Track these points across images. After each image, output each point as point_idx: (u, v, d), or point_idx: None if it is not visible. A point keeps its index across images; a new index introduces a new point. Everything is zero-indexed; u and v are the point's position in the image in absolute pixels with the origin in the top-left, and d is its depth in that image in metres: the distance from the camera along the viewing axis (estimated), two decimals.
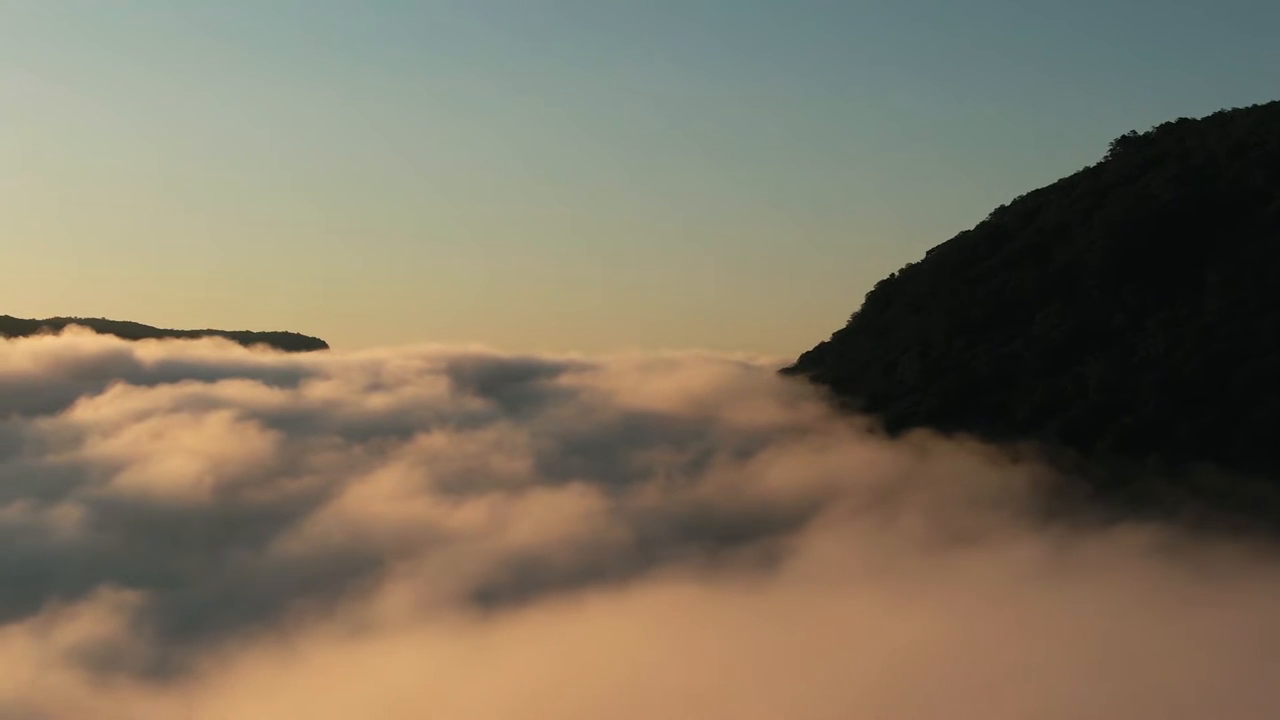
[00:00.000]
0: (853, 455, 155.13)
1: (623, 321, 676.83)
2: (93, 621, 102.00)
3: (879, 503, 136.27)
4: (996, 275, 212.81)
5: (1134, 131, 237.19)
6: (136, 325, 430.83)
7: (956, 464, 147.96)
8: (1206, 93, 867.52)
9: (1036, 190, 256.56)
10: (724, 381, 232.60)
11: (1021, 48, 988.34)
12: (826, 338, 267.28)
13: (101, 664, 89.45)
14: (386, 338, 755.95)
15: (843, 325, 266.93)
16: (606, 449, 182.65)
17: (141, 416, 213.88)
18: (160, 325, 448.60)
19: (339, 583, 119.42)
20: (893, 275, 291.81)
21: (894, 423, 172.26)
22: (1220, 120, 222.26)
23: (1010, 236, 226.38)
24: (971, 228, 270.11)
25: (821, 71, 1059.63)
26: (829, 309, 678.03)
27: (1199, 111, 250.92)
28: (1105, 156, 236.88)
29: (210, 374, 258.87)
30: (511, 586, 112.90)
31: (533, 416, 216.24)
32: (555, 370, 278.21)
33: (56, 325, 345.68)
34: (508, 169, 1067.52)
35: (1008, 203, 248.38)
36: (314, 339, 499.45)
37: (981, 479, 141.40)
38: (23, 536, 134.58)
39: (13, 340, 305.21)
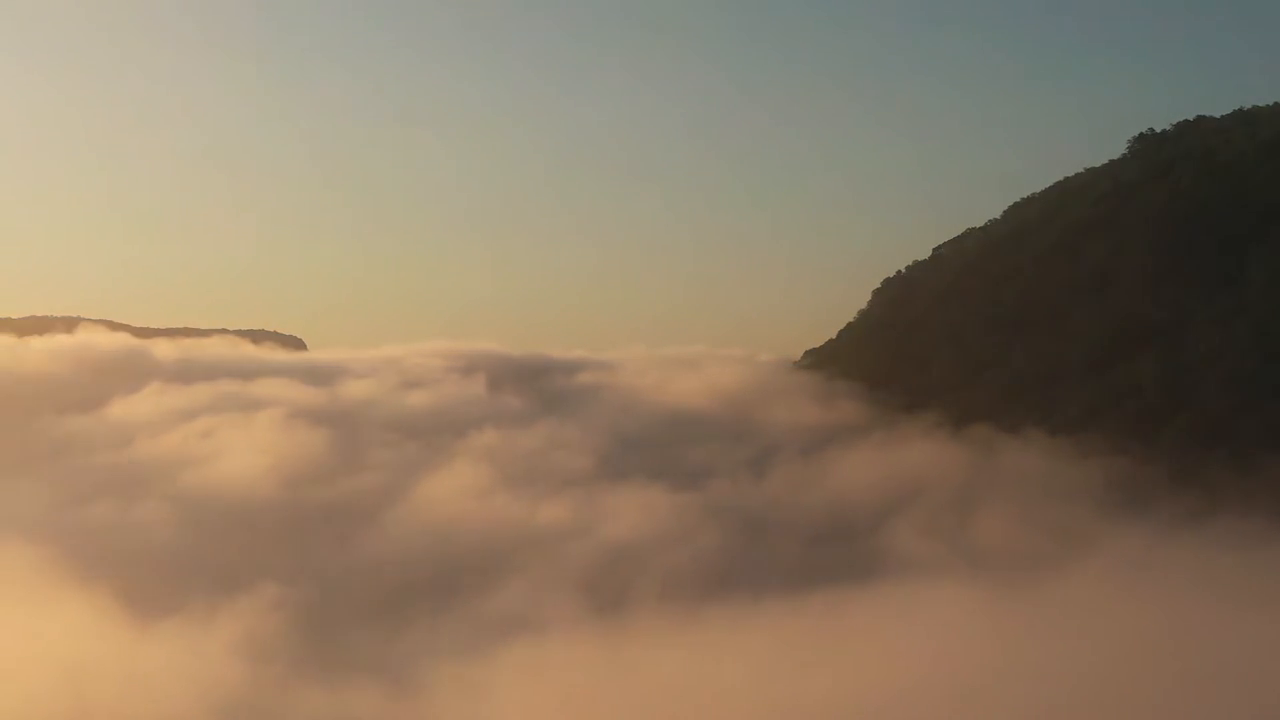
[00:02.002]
0: (922, 452, 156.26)
1: (617, 318, 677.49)
2: (244, 615, 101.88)
3: (966, 499, 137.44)
4: (1024, 272, 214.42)
5: (1151, 129, 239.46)
6: (112, 323, 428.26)
7: (1029, 460, 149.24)
8: (1199, 92, 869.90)
9: (1049, 187, 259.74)
10: (752, 379, 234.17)
11: (1017, 46, 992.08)
12: (822, 333, 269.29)
13: (275, 657, 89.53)
14: (367, 337, 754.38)
15: (835, 321, 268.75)
16: (660, 446, 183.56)
17: (187, 415, 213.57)
18: (136, 324, 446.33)
19: (450, 579, 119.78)
20: (899, 272, 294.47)
21: (958, 419, 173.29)
22: (1243, 118, 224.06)
23: (1033, 233, 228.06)
24: (970, 225, 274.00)
25: (814, 68, 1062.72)
26: (821, 305, 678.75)
27: (1195, 110, 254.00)
28: (1123, 154, 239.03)
29: (242, 372, 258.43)
30: (641, 583, 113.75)
31: (575, 414, 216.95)
32: (573, 367, 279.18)
33: (68, 324, 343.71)
34: (491, 166, 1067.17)
35: (1004, 200, 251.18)
36: (291, 337, 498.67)
37: (1058, 474, 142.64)
38: (122, 535, 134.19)
39: (24, 339, 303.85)
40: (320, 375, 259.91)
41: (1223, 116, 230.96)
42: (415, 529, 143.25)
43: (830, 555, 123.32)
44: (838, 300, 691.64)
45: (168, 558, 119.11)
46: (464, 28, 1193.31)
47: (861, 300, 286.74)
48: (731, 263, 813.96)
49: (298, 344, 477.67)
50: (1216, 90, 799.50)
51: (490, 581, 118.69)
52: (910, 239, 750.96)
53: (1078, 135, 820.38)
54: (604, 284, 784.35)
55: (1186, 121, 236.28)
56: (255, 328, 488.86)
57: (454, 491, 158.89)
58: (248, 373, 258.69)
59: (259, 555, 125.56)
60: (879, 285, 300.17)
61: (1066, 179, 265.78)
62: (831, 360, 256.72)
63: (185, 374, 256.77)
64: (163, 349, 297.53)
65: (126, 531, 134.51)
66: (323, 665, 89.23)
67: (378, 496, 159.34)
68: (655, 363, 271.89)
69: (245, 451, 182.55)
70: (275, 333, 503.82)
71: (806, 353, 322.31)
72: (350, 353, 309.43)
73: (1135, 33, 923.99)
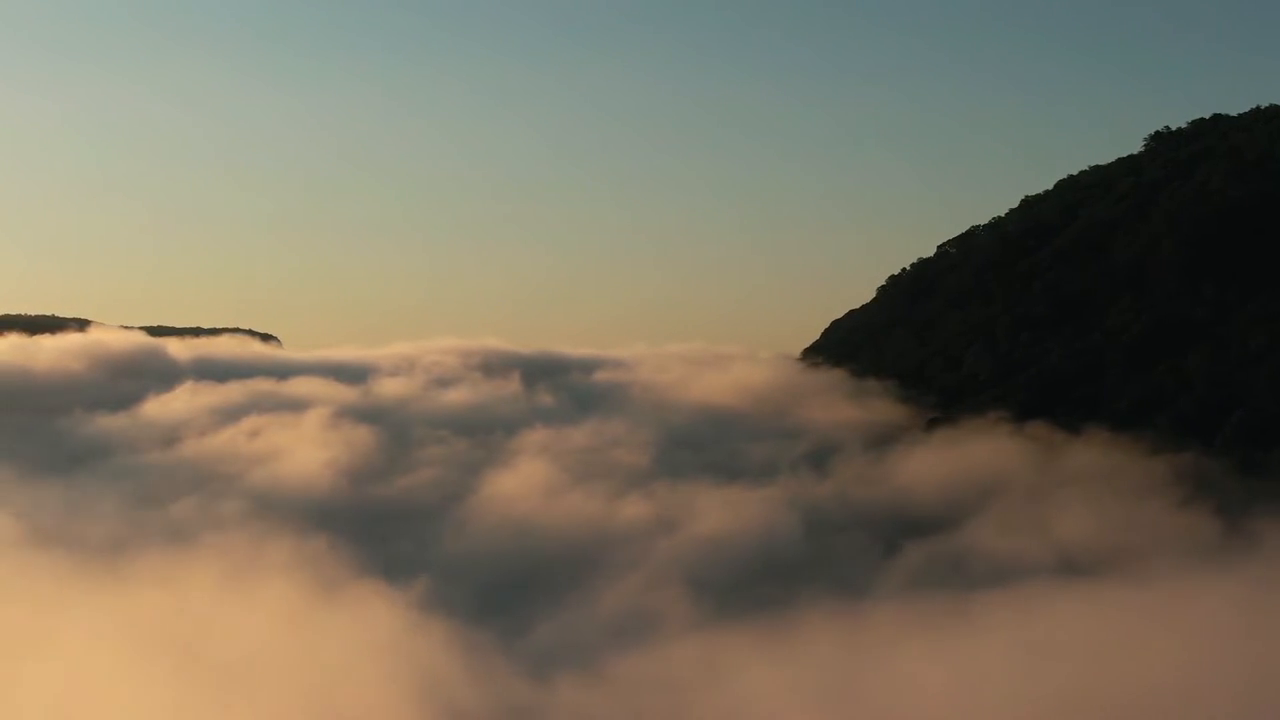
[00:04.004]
0: (985, 449, 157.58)
1: (606, 314, 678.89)
2: (405, 609, 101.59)
3: (1039, 496, 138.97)
4: (1051, 269, 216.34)
5: (1167, 127, 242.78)
6: (86, 321, 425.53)
7: (1091, 456, 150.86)
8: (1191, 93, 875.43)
9: (1060, 185, 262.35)
10: (778, 377, 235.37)
11: (1008, 47, 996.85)
12: (808, 329, 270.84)
13: (457, 649, 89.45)
14: (345, 335, 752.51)
15: (820, 317, 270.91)
16: (711, 443, 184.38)
17: (228, 414, 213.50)
18: (111, 322, 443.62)
19: (554, 575, 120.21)
20: (905, 270, 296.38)
21: (1008, 416, 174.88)
22: (1262, 116, 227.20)
23: (1055, 231, 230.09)
24: (970, 223, 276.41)
25: (800, 68, 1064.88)
26: (807, 301, 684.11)
27: (1193, 110, 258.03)
28: (1139, 151, 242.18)
29: (272, 371, 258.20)
30: (754, 578, 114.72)
31: (613, 411, 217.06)
32: (588, 365, 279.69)
33: (80, 324, 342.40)
34: (478, 164, 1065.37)
35: (997, 198, 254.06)
36: (267, 335, 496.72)
37: (1125, 470, 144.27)
38: (219, 533, 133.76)
39: (34, 337, 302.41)
40: (348, 374, 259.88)
41: (1240, 115, 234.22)
42: (498, 526, 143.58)
43: (925, 553, 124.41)
44: (824, 297, 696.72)
45: (284, 556, 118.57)
46: (469, 26, 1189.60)
47: (850, 296, 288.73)
48: (717, 260, 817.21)
49: (275, 343, 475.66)
50: (1211, 89, 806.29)
51: (598, 578, 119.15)
52: (899, 237, 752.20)
53: (1072, 134, 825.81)
54: (590, 281, 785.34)
55: (1203, 120, 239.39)
56: (230, 326, 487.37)
57: (525, 488, 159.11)
58: (279, 371, 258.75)
59: (362, 552, 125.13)
60: (883, 282, 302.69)
61: (1072, 177, 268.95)
62: (849, 357, 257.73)
63: (212, 372, 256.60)
64: (175, 347, 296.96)
65: (222, 530, 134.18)
66: (507, 657, 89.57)
67: (447, 494, 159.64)
68: (669, 360, 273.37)
69: (305, 450, 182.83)
70: (251, 330, 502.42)
71: (810, 349, 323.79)
72: (374, 350, 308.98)
73: (1125, 33, 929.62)
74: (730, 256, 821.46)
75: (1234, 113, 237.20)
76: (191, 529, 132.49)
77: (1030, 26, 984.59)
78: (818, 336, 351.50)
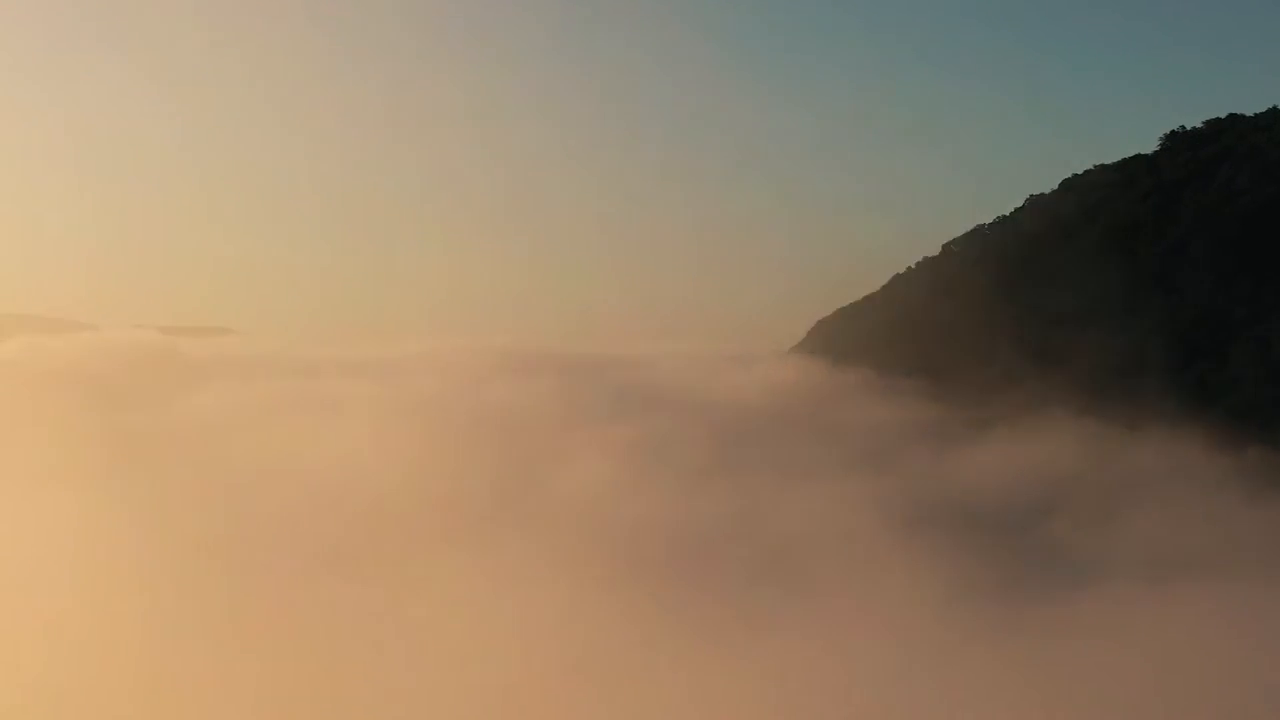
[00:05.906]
0: (1047, 446, 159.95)
1: (601, 313, 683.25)
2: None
3: (1117, 492, 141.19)
4: (1078, 267, 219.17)
5: (1183, 126, 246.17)
6: (62, 319, 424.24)
7: (1158, 452, 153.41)
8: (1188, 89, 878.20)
9: (1072, 184, 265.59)
10: (805, 376, 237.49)
11: (995, 48, 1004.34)
12: (792, 327, 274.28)
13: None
14: (323, 333, 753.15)
15: (804, 314, 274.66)
16: (758, 443, 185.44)
17: (268, 410, 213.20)
18: (84, 318, 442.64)
19: (657, 573, 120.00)
20: (910, 268, 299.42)
21: (1063, 412, 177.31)
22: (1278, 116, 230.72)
23: (1075, 230, 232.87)
24: (963, 222, 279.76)
25: (787, 67, 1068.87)
26: (788, 299, 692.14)
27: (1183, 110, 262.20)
28: (1155, 150, 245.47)
29: (298, 370, 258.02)
30: (867, 573, 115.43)
31: (652, 410, 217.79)
32: (602, 364, 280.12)
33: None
34: (469, 163, 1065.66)
35: (988, 197, 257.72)
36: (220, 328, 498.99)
37: (1196, 466, 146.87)
38: (310, 530, 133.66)
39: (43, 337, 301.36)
40: (375, 371, 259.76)
41: (1257, 115, 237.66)
42: (582, 522, 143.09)
43: (1022, 549, 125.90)
44: (807, 296, 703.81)
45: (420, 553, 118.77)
46: (472, 24, 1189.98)
47: (836, 295, 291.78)
48: (707, 259, 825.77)
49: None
50: (1207, 89, 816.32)
51: (700, 573, 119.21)
52: (889, 236, 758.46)
53: (1066, 134, 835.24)
54: (580, 279, 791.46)
55: (1219, 119, 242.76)
56: (210, 325, 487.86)
57: (594, 485, 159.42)
58: (303, 368, 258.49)
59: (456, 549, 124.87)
60: (887, 281, 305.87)
61: (1079, 176, 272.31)
62: (868, 355, 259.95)
63: (236, 370, 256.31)
64: (189, 345, 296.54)
65: (313, 527, 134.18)
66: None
67: (525, 491, 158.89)
68: (678, 359, 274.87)
69: (363, 446, 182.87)
70: (220, 327, 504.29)
71: (803, 346, 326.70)
72: (386, 348, 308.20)
73: (1122, 34, 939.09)
74: (720, 256, 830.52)
75: (1249, 113, 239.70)
76: (297, 527, 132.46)
77: (1024, 27, 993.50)
78: (804, 335, 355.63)
